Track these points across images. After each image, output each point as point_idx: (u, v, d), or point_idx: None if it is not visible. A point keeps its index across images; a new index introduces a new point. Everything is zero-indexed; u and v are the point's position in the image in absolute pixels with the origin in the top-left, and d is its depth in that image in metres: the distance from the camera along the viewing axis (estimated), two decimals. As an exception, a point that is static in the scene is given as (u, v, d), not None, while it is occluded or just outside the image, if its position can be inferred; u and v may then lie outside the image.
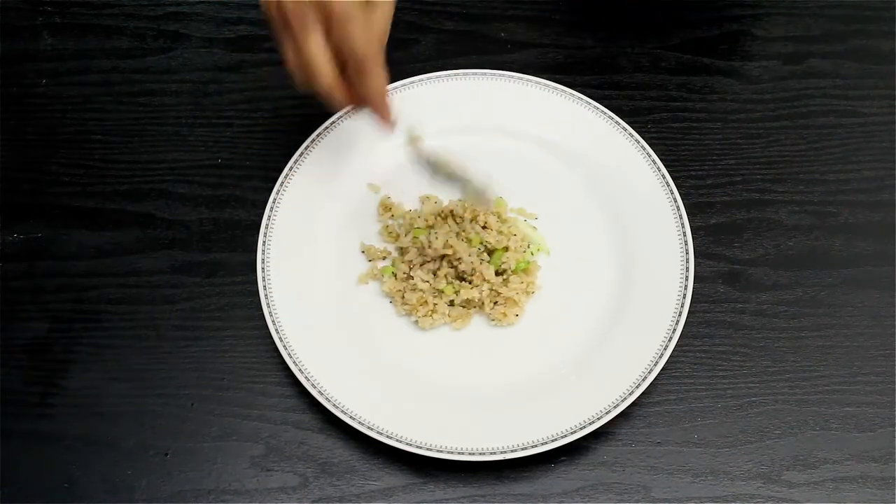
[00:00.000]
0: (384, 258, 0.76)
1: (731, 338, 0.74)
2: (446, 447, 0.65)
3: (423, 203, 0.79)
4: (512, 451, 0.65)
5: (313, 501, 0.67)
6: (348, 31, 0.61)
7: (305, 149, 0.78)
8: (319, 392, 0.67)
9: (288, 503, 0.67)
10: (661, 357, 0.69)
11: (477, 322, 0.73)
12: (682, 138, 0.84)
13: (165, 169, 0.82)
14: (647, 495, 0.68)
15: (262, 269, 0.72)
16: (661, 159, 0.78)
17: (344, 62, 0.63)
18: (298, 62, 0.63)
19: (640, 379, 0.68)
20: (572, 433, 0.66)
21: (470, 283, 0.73)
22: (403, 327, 0.73)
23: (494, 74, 0.83)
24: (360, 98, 0.66)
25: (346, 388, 0.68)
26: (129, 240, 0.78)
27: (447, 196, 0.78)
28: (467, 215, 0.76)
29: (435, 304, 0.72)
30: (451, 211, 0.77)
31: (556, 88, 0.82)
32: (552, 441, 0.65)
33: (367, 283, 0.75)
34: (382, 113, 0.67)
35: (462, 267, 0.73)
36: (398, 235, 0.76)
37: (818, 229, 0.80)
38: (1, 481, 0.67)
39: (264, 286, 0.72)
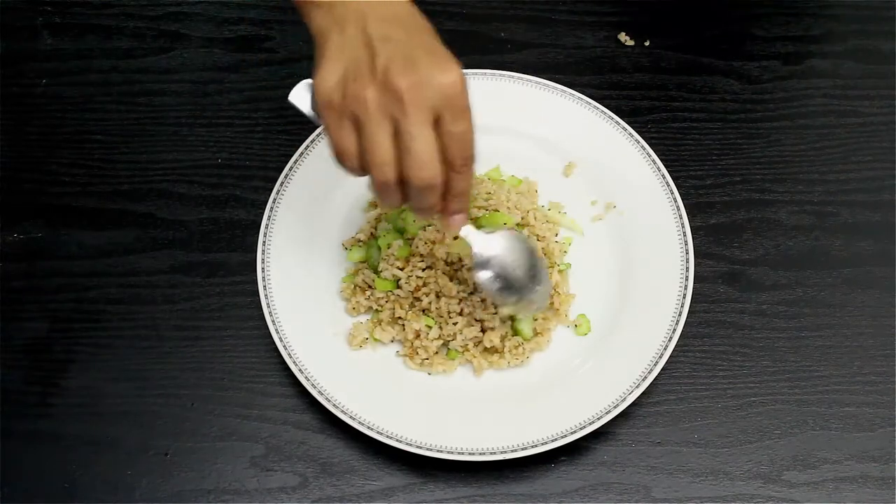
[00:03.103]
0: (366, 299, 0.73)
1: (731, 338, 0.74)
2: (446, 447, 0.65)
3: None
4: (512, 451, 0.65)
5: (313, 501, 0.67)
6: (467, 122, 0.57)
7: (305, 149, 0.78)
8: (319, 392, 0.67)
9: (288, 503, 0.67)
10: (661, 357, 0.69)
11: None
12: (682, 138, 0.84)
13: (165, 169, 0.82)
14: (647, 495, 0.68)
15: (262, 269, 0.72)
16: (661, 159, 0.78)
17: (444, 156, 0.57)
18: (404, 146, 0.56)
19: (640, 379, 0.68)
20: (572, 433, 0.66)
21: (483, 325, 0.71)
22: (403, 327, 0.73)
23: (494, 74, 0.83)
24: (451, 194, 0.60)
25: (346, 389, 0.68)
26: (129, 240, 0.78)
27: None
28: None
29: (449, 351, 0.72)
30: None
31: (556, 88, 0.82)
32: (552, 441, 0.66)
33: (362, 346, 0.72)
34: (465, 210, 0.63)
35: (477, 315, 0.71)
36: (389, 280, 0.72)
37: (818, 229, 0.80)
38: (1, 481, 0.67)
39: (264, 286, 0.72)
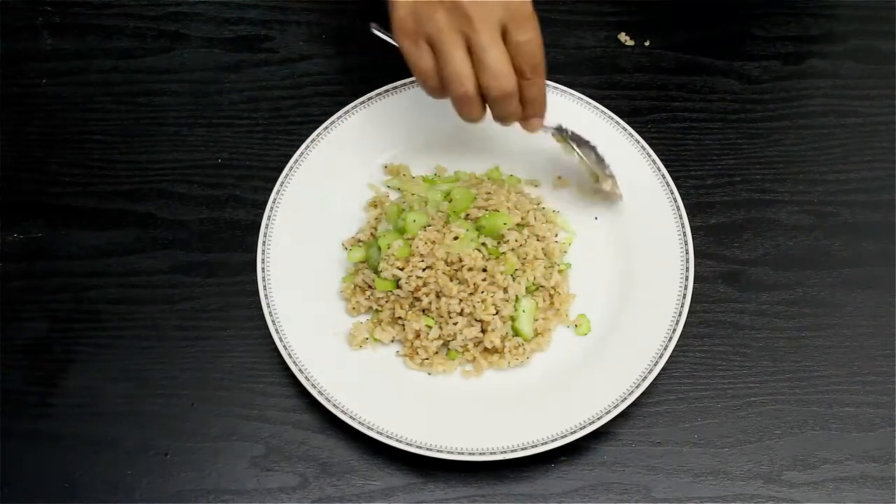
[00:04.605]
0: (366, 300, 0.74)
1: (731, 338, 0.74)
2: (446, 447, 0.65)
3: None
4: (512, 451, 0.65)
5: (313, 501, 0.67)
6: (533, 30, 0.62)
7: (305, 149, 0.78)
8: (319, 392, 0.67)
9: (288, 503, 0.67)
10: (661, 357, 0.69)
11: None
12: (682, 138, 0.84)
13: (165, 169, 0.82)
14: (647, 495, 0.68)
15: (262, 269, 0.72)
16: (661, 159, 0.78)
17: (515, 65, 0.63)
18: (478, 59, 0.62)
19: (640, 379, 0.68)
20: (572, 433, 0.66)
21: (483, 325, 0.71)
22: (403, 327, 0.73)
23: (494, 74, 0.83)
24: (525, 100, 0.66)
25: (346, 389, 0.68)
26: (129, 240, 0.78)
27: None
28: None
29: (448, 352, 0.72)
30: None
31: (556, 88, 0.82)
32: (552, 441, 0.66)
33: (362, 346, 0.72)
34: (542, 112, 0.69)
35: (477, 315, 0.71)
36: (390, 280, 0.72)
37: (818, 229, 0.80)
38: (1, 481, 0.67)
39: (264, 286, 0.72)
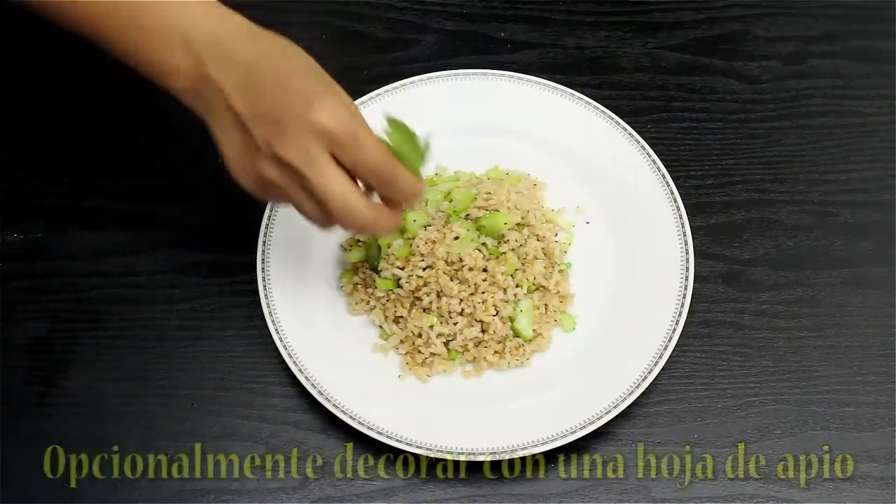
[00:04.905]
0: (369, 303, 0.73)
1: (731, 338, 0.74)
2: (446, 447, 0.65)
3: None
4: (512, 451, 0.65)
5: (313, 501, 0.67)
6: (360, 146, 0.55)
7: (305, 149, 0.78)
8: (319, 392, 0.67)
9: (288, 503, 0.67)
10: (661, 357, 0.69)
11: (477, 322, 0.73)
12: (682, 138, 0.84)
13: (165, 169, 0.82)
14: (646, 495, 0.68)
15: (262, 269, 0.72)
16: (661, 159, 0.78)
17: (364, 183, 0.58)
18: (325, 207, 0.57)
19: (640, 379, 0.68)
20: (572, 433, 0.66)
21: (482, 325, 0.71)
22: (403, 327, 0.73)
23: (494, 74, 0.83)
24: (395, 203, 0.61)
25: (347, 389, 0.68)
26: (130, 240, 0.78)
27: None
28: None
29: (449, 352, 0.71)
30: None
31: (556, 88, 0.82)
32: (552, 441, 0.66)
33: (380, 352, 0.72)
34: (415, 198, 0.61)
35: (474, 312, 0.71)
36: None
37: (818, 229, 0.80)
38: (1, 481, 0.67)
39: (264, 286, 0.72)
